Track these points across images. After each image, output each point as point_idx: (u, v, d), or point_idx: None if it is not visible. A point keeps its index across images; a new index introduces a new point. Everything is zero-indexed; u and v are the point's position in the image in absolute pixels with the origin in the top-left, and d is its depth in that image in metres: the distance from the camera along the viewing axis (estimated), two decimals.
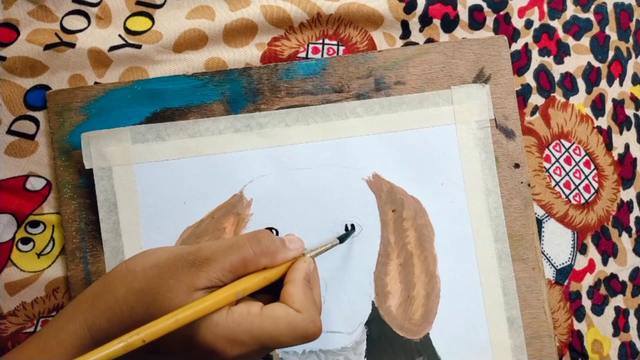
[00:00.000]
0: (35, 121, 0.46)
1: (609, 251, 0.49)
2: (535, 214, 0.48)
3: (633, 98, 0.51)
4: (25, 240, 0.46)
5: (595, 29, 0.50)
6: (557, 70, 0.50)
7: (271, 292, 0.38)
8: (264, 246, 0.37)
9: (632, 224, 0.50)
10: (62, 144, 0.46)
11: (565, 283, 0.49)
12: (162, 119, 0.47)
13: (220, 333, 0.34)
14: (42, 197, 0.46)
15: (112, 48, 0.47)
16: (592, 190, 0.50)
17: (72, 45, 0.46)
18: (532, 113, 0.49)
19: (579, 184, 0.49)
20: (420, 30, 0.49)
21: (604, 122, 0.50)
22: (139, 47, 0.47)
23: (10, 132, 0.46)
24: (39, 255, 0.46)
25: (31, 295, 0.46)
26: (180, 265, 0.35)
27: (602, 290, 0.49)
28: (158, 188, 0.46)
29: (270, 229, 0.46)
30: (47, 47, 0.46)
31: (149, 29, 0.48)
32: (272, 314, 0.35)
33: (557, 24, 0.50)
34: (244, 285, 0.36)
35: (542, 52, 0.50)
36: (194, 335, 0.34)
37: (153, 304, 0.34)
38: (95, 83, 0.47)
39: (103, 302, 0.36)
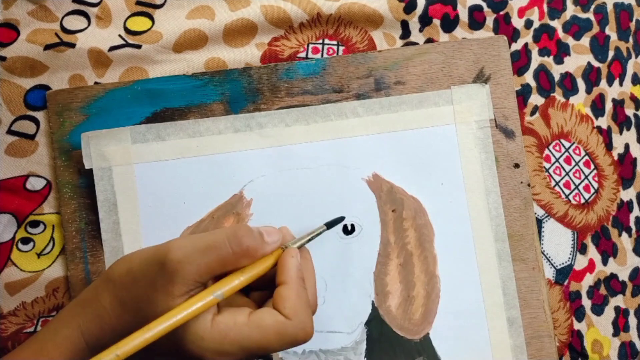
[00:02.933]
0: (35, 121, 0.46)
1: (608, 251, 0.49)
2: (535, 213, 0.48)
3: (633, 98, 0.51)
4: (25, 240, 0.46)
5: (595, 29, 0.50)
6: (557, 70, 0.50)
7: (265, 288, 0.38)
8: (244, 247, 0.35)
9: (632, 224, 0.50)
10: (62, 144, 0.46)
11: (565, 283, 0.49)
12: (162, 119, 0.47)
13: (206, 347, 0.33)
14: (42, 197, 0.46)
15: (112, 48, 0.47)
16: (592, 190, 0.50)
17: (72, 45, 0.46)
18: (532, 113, 0.49)
19: (579, 184, 0.49)
20: (420, 30, 0.49)
21: (603, 122, 0.50)
22: (138, 47, 0.47)
23: (10, 132, 0.46)
24: (39, 255, 0.46)
25: (31, 295, 0.46)
26: (152, 271, 0.34)
27: (602, 290, 0.49)
28: (158, 188, 0.46)
29: None
30: (47, 47, 0.46)
31: (149, 29, 0.48)
32: (260, 322, 0.34)
33: (557, 24, 0.50)
34: (222, 288, 0.34)
35: (542, 52, 0.50)
36: (181, 348, 0.34)
37: (139, 314, 0.34)
38: (95, 83, 0.47)
39: (92, 310, 0.36)
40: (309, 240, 0.40)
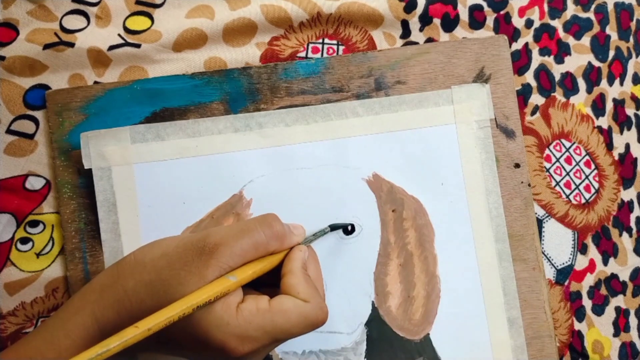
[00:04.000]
0: (35, 120, 0.46)
1: (609, 251, 0.49)
2: (536, 214, 0.48)
3: (633, 98, 0.51)
4: (24, 240, 0.46)
5: (596, 28, 0.50)
6: (557, 70, 0.50)
7: (275, 284, 0.38)
8: (275, 230, 0.37)
9: (632, 224, 0.50)
10: (61, 144, 0.46)
11: (566, 283, 0.49)
12: (162, 118, 0.46)
13: (232, 332, 0.34)
14: (41, 196, 0.46)
15: (112, 47, 0.46)
16: (593, 190, 0.49)
17: (72, 45, 0.46)
18: (533, 113, 0.49)
19: (580, 184, 0.49)
20: (421, 30, 0.49)
21: (604, 121, 0.50)
22: (138, 46, 0.47)
23: (9, 131, 0.46)
24: (38, 255, 0.46)
25: (31, 295, 0.46)
26: (190, 254, 0.35)
27: (603, 291, 0.49)
28: (157, 188, 0.46)
29: None
30: (47, 46, 0.46)
31: (148, 28, 0.47)
32: (281, 307, 0.35)
33: (557, 23, 0.50)
34: (244, 273, 0.35)
35: (543, 52, 0.50)
36: (203, 334, 0.34)
37: (164, 297, 0.34)
38: (95, 82, 0.47)
39: (112, 295, 0.36)
40: (313, 240, 0.42)
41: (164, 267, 0.35)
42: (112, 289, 0.36)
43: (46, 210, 0.46)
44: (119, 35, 0.47)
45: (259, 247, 0.36)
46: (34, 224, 0.46)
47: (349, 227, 0.46)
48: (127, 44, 0.47)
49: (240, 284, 0.35)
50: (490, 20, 0.50)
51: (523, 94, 0.49)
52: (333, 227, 0.45)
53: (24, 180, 0.46)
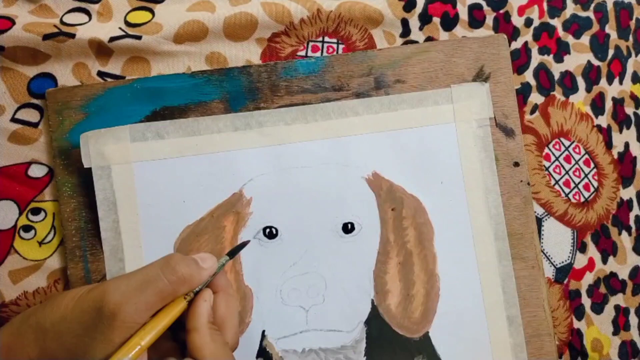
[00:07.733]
0: (39, 109, 0.46)
1: (608, 250, 0.49)
2: (535, 212, 0.48)
3: (633, 97, 0.51)
4: (26, 228, 0.46)
5: (595, 27, 0.51)
6: (556, 69, 0.50)
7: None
8: (179, 275, 0.35)
9: (631, 223, 0.50)
10: (61, 143, 0.46)
11: (565, 282, 0.49)
12: (162, 117, 0.47)
13: None
14: (43, 184, 0.46)
15: (112, 39, 0.46)
16: (592, 189, 0.50)
17: (72, 36, 0.46)
18: (532, 112, 0.49)
19: (579, 183, 0.49)
20: (420, 29, 0.49)
21: (603, 120, 0.50)
22: (139, 38, 0.46)
23: (13, 119, 0.46)
24: (40, 243, 0.46)
25: (33, 285, 0.46)
26: (87, 316, 0.33)
27: (602, 289, 0.49)
28: (157, 187, 0.46)
29: (270, 227, 0.46)
30: (46, 37, 0.45)
31: (149, 21, 0.47)
32: None
33: (557, 22, 0.50)
34: (149, 338, 0.33)
35: (542, 51, 0.50)
36: None
37: None
38: (99, 72, 0.47)
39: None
40: (213, 276, 0.39)
41: (65, 332, 0.33)
42: (17, 355, 0.34)
43: (48, 197, 0.46)
44: (120, 28, 0.47)
45: (165, 296, 0.34)
46: (36, 211, 0.46)
47: (349, 226, 0.46)
48: (127, 35, 0.46)
49: (149, 345, 0.33)
50: (489, 19, 0.50)
51: (522, 93, 0.49)
52: (231, 254, 0.41)
53: (26, 168, 0.46)
